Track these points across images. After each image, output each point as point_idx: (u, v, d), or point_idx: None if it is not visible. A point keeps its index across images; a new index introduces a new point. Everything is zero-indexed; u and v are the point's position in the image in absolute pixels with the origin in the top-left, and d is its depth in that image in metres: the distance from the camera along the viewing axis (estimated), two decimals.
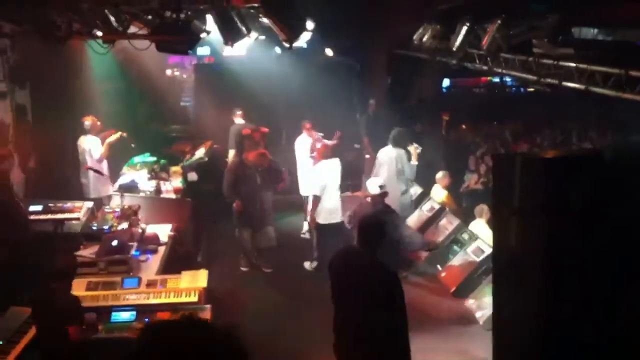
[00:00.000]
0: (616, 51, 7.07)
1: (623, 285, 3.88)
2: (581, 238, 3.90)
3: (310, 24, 9.26)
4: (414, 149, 9.61)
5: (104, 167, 9.58)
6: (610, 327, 3.91)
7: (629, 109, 7.60)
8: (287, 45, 7.88)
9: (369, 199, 8.32)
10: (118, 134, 9.69)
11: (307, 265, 9.49)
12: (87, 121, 9.65)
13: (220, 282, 8.10)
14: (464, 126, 12.52)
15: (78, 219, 8.15)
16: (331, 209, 8.99)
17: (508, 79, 14.62)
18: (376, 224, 5.29)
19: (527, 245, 4.16)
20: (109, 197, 9.02)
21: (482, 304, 7.84)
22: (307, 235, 10.55)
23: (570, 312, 3.92)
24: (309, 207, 9.28)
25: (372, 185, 8.12)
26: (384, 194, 8.07)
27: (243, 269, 9.18)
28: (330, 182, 9.01)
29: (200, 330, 1.75)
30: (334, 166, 9.18)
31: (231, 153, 10.72)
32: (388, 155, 9.50)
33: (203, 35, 8.02)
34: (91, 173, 9.34)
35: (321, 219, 8.99)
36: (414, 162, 9.55)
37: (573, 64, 7.09)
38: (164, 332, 1.75)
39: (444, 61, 10.42)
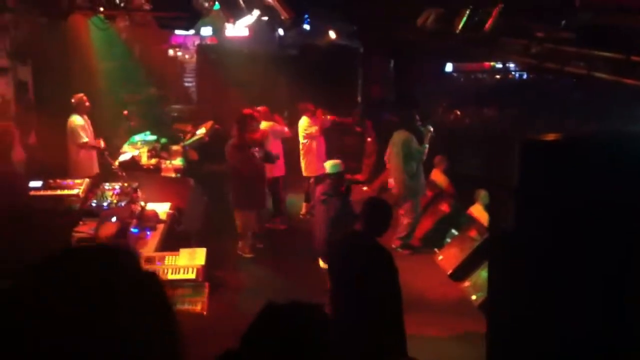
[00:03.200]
0: (618, 36, 7.02)
1: (618, 270, 3.88)
2: (578, 222, 3.90)
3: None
4: (427, 131, 9.50)
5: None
6: (607, 311, 3.93)
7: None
8: (289, 24, 7.87)
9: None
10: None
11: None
12: (74, 99, 9.45)
13: (219, 261, 8.12)
14: (458, 112, 12.49)
15: (78, 195, 8.15)
16: None
17: (511, 65, 14.55)
18: (385, 208, 5.27)
19: (523, 227, 4.17)
20: (96, 176, 9.04)
21: (478, 287, 7.87)
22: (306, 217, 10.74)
23: (566, 295, 3.94)
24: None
25: (328, 166, 7.75)
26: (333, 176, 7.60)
27: (247, 255, 9.10)
28: None
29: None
30: None
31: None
32: (397, 138, 9.48)
33: (205, 12, 7.99)
34: (81, 152, 9.36)
35: None
36: (426, 145, 9.43)
37: (574, 49, 7.06)
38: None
39: (446, 45, 10.39)
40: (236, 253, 9.07)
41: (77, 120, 9.40)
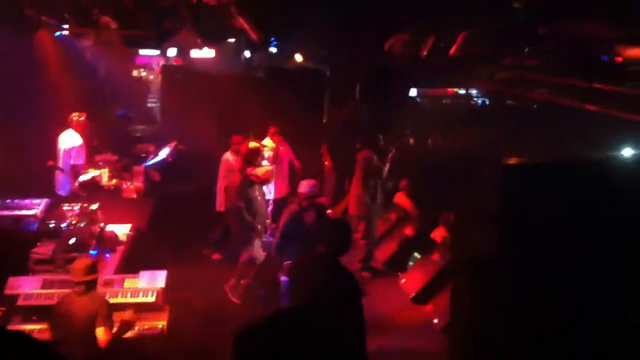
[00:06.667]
0: (581, 64, 7.18)
1: (592, 292, 3.91)
2: (545, 243, 3.93)
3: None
4: (389, 150, 9.45)
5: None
6: (576, 333, 3.94)
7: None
8: (256, 46, 7.87)
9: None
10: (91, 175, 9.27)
11: None
12: (76, 116, 9.55)
13: (180, 284, 7.96)
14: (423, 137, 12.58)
15: (36, 215, 7.96)
16: None
17: (474, 91, 14.73)
18: (346, 228, 5.23)
19: (489, 250, 4.17)
20: (74, 195, 8.86)
21: (440, 310, 7.85)
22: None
23: (529, 316, 3.94)
24: None
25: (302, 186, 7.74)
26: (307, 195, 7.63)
27: (234, 300, 8.45)
28: None
29: None
30: None
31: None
32: (359, 158, 9.46)
33: (173, 32, 7.95)
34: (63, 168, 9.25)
35: None
36: (387, 163, 9.37)
37: (538, 75, 7.19)
38: None
39: (413, 70, 10.49)
40: (198, 276, 8.85)
41: (76, 139, 9.42)
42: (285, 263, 7.36)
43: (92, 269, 5.57)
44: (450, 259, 7.91)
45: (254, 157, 8.43)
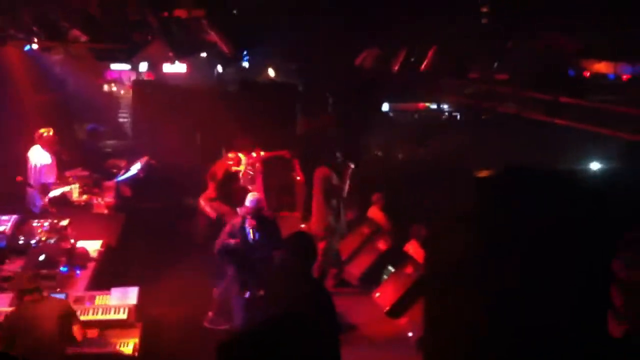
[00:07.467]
0: (547, 78, 7.31)
1: (553, 294, 3.96)
2: (510, 249, 3.98)
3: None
4: (347, 167, 9.28)
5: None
6: (545, 338, 3.98)
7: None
8: (228, 60, 7.88)
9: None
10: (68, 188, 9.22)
11: None
12: (46, 132, 9.37)
13: (154, 299, 7.87)
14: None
15: (4, 232, 7.82)
16: None
17: (445, 105, 14.90)
18: (311, 240, 5.25)
19: (458, 257, 4.22)
20: (44, 211, 8.74)
21: (414, 323, 7.87)
22: None
23: (500, 322, 3.98)
24: None
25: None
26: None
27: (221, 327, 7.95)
28: None
29: None
30: None
31: None
32: (316, 175, 9.29)
33: (143, 44, 7.93)
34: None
35: None
36: (346, 181, 9.24)
37: (507, 89, 7.31)
38: None
39: (384, 84, 10.57)
40: (170, 292, 8.73)
41: (44, 157, 9.25)
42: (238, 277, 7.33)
43: (34, 277, 5.70)
44: (423, 272, 7.94)
45: (228, 183, 8.38)
